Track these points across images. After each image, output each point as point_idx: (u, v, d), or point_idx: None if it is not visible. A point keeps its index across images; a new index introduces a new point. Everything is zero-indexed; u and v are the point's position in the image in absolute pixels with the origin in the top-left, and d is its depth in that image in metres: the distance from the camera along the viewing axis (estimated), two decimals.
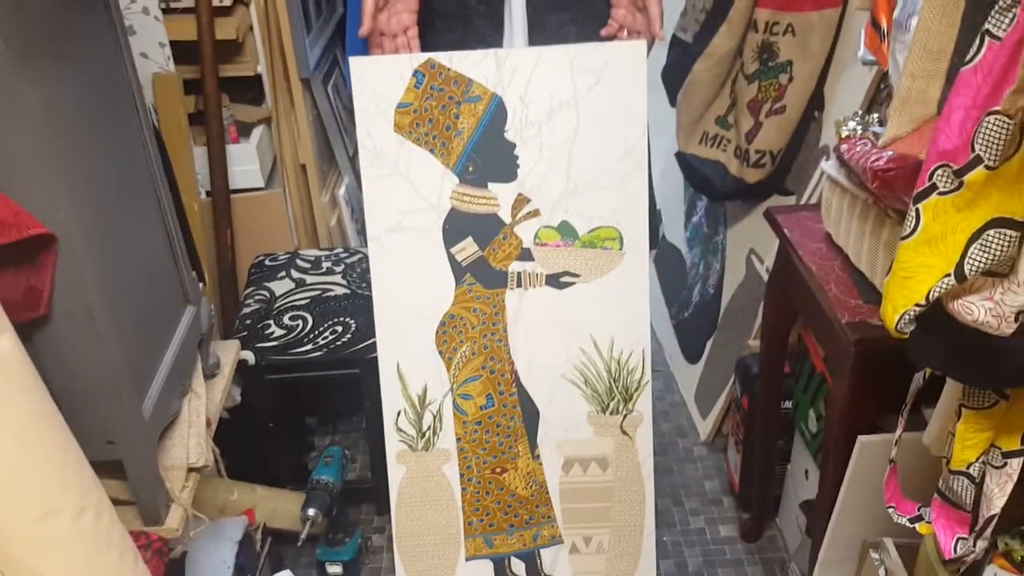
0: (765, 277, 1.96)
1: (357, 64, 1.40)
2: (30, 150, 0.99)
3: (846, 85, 1.76)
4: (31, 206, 0.99)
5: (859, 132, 1.34)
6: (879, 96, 1.65)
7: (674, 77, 2.01)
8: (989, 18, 0.75)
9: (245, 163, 2.11)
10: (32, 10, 1.00)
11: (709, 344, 2.30)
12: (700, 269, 2.40)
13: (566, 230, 1.45)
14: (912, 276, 0.83)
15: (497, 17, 1.47)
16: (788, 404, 1.81)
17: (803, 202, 1.84)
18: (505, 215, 1.45)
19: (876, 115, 1.43)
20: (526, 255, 1.46)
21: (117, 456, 1.18)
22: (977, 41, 0.76)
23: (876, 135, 1.33)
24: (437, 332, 1.49)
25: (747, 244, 2.11)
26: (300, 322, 1.94)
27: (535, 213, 1.45)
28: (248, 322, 1.94)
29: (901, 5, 1.02)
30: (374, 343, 1.53)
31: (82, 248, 1.05)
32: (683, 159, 2.09)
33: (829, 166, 1.40)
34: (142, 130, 1.31)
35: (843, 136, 1.34)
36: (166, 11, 1.91)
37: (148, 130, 1.32)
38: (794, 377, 1.80)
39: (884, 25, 1.11)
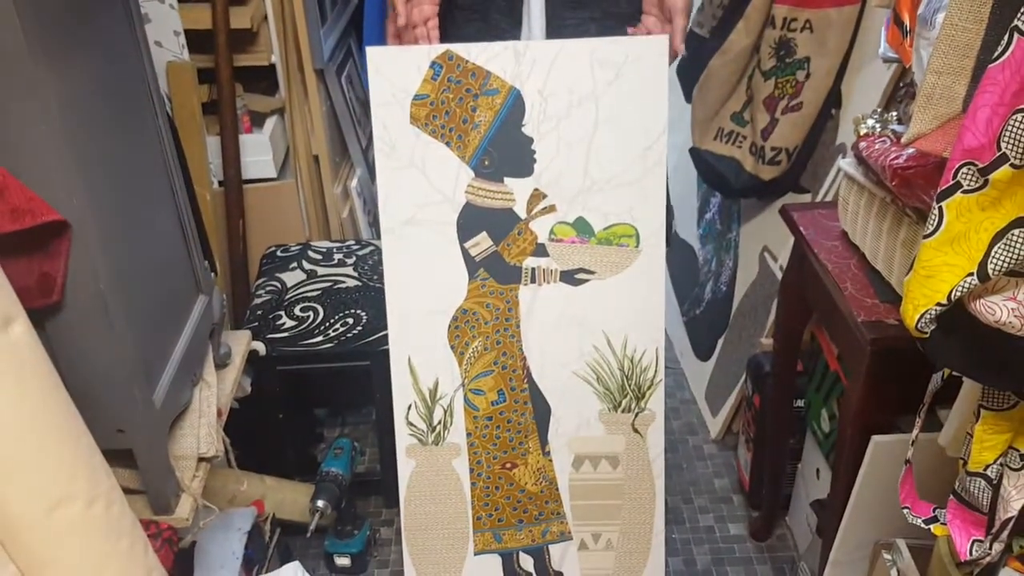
0: (778, 275, 1.94)
1: (374, 55, 1.39)
2: (45, 136, 0.99)
3: (864, 82, 1.74)
4: (45, 192, 0.99)
5: (878, 130, 1.33)
6: (897, 94, 1.64)
7: (690, 72, 1.99)
8: (1019, 15, 0.74)
9: (258, 153, 2.10)
10: None
11: (720, 342, 2.29)
12: (712, 266, 2.39)
13: (582, 226, 1.44)
14: (934, 275, 0.82)
15: (516, 13, 1.46)
16: (800, 403, 1.80)
17: (818, 199, 1.83)
18: (521, 210, 1.44)
19: (895, 113, 1.42)
20: (541, 251, 1.46)
21: (128, 445, 1.17)
22: (1006, 38, 0.75)
23: (895, 133, 1.32)
24: (449, 327, 1.48)
25: (760, 241, 2.10)
26: (311, 313, 1.93)
27: (551, 209, 1.44)
28: (259, 313, 1.94)
29: (926, 1, 1.01)
30: (385, 336, 1.53)
31: (96, 235, 1.05)
32: (698, 155, 2.08)
33: (846, 163, 1.39)
34: (156, 118, 1.30)
35: (862, 134, 1.33)
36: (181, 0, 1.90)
37: (162, 118, 1.32)
38: (807, 375, 1.79)
39: (907, 22, 1.10)
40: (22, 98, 0.96)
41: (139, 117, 1.26)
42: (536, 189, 1.43)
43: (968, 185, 0.78)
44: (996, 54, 0.76)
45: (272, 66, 2.08)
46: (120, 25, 1.21)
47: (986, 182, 0.77)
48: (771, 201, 2.05)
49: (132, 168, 1.22)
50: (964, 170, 0.78)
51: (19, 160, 0.98)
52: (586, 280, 1.47)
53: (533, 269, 1.46)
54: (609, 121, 1.40)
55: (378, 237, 1.50)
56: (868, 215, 1.34)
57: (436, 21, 1.42)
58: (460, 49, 1.37)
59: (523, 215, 1.44)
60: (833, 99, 1.82)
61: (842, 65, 1.78)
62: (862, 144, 1.29)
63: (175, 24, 1.89)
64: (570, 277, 1.47)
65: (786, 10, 1.77)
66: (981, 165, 0.77)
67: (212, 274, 1.54)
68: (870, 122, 1.34)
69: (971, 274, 0.79)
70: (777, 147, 1.87)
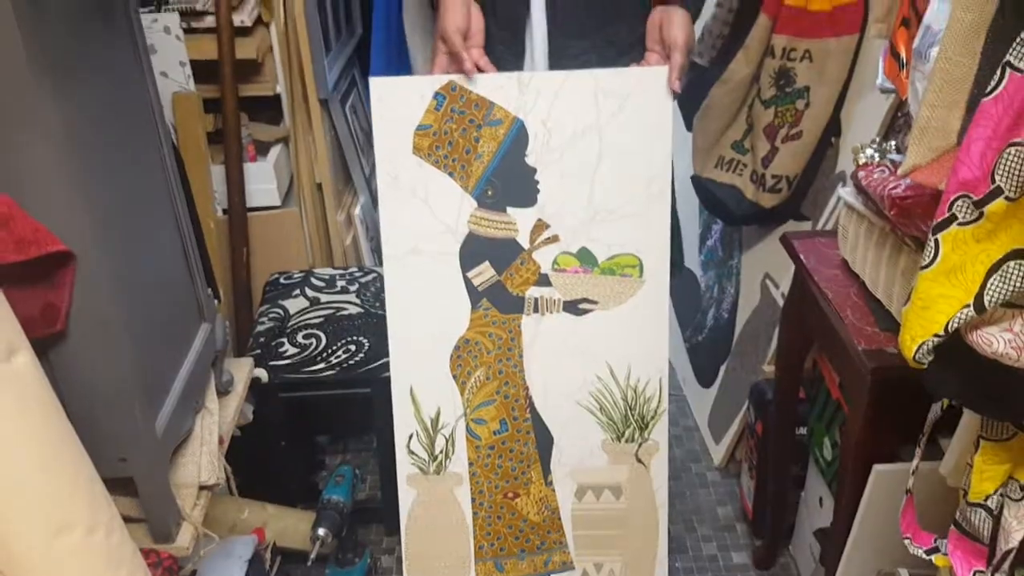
0: (780, 302, 1.95)
1: (377, 85, 1.40)
2: (50, 165, 1.00)
3: (863, 111, 1.75)
4: (49, 221, 1.00)
5: (877, 159, 1.34)
6: (896, 123, 1.65)
7: (690, 101, 2.01)
8: (1011, 50, 0.75)
9: (262, 181, 2.12)
10: (55, 27, 1.01)
11: (723, 368, 2.29)
12: (714, 293, 2.39)
13: (585, 257, 1.45)
14: (930, 306, 0.82)
15: (519, 43, 1.47)
16: (803, 430, 1.79)
17: (819, 227, 1.84)
18: (524, 240, 1.45)
19: (894, 142, 1.43)
20: (544, 281, 1.46)
21: (129, 473, 1.17)
22: (998, 72, 0.76)
23: (894, 162, 1.33)
24: (452, 356, 1.49)
25: (762, 268, 2.10)
26: (313, 340, 1.94)
27: (554, 239, 1.44)
28: (262, 340, 1.95)
29: (921, 35, 1.02)
30: (387, 363, 1.53)
31: (99, 264, 1.06)
32: (699, 183, 2.09)
33: (846, 192, 1.40)
34: (161, 148, 1.32)
35: (861, 163, 1.34)
36: (187, 31, 1.92)
37: (167, 148, 1.33)
38: (809, 403, 1.79)
39: (903, 54, 1.11)
40: (26, 126, 0.97)
41: (144, 146, 1.28)
42: (539, 219, 1.44)
43: (963, 217, 0.79)
44: (989, 88, 0.77)
45: (277, 96, 2.10)
46: (125, 54, 1.23)
47: (981, 214, 0.77)
48: (772, 228, 2.06)
49: (136, 196, 1.23)
50: (959, 202, 0.79)
51: (23, 188, 0.99)
52: (589, 310, 1.47)
53: (536, 299, 1.47)
54: (613, 151, 1.41)
55: (381, 264, 1.52)
56: (868, 244, 1.35)
57: (486, 59, 1.42)
58: (464, 80, 1.39)
59: (526, 245, 1.45)
60: (833, 127, 1.83)
61: (841, 94, 1.80)
62: (861, 173, 1.30)
63: (181, 55, 1.91)
64: (573, 307, 1.47)
65: (785, 40, 1.78)
66: (976, 198, 0.77)
67: (215, 301, 1.55)
68: (869, 151, 1.35)
69: (968, 305, 0.80)
70: (778, 175, 1.88)
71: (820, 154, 1.86)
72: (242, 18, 1.93)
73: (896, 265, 1.28)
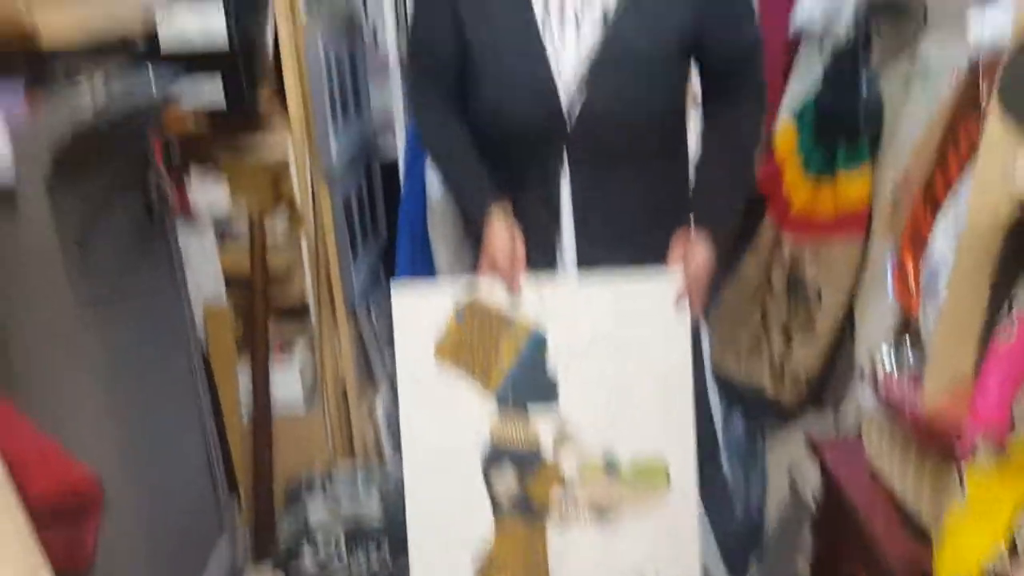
0: (806, 492, 1.91)
1: (399, 293, 1.44)
2: (86, 396, 1.03)
3: (876, 304, 1.77)
4: (81, 450, 1.02)
5: (894, 366, 1.34)
6: (911, 319, 1.66)
7: None
8: (1018, 293, 0.78)
9: (287, 382, 2.14)
10: (100, 265, 1.07)
11: (755, 563, 2.22)
12: (741, 484, 2.35)
13: (609, 463, 1.44)
14: (962, 546, 0.81)
15: (550, 253, 1.51)
16: None
17: (838, 414, 1.82)
18: (546, 447, 1.44)
19: (907, 338, 1.42)
20: (568, 488, 1.45)
21: None
22: (1008, 319, 0.78)
23: (912, 368, 1.33)
24: (476, 568, 1.45)
25: (787, 459, 2.08)
26: (334, 547, 1.90)
27: (576, 446, 1.44)
28: (282, 546, 1.91)
29: (928, 270, 1.04)
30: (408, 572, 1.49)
31: (125, 495, 1.07)
32: (718, 376, 2.10)
33: (866, 398, 1.40)
34: (192, 364, 1.36)
35: (879, 371, 1.34)
36: (220, 243, 2.00)
37: (197, 360, 1.37)
38: None
39: (911, 277, 1.14)
40: (69, 361, 1.01)
41: (176, 366, 1.32)
42: (560, 427, 1.44)
43: (986, 457, 0.79)
44: (1003, 328, 0.79)
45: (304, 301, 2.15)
46: (163, 279, 1.29)
47: (1004, 454, 0.77)
48: (795, 418, 2.05)
49: (166, 416, 1.26)
50: (981, 442, 0.79)
51: (60, 419, 1.02)
52: (616, 518, 1.45)
53: (560, 508, 1.45)
54: (632, 356, 1.43)
55: (402, 463, 1.52)
56: (893, 450, 1.33)
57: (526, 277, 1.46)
58: (485, 288, 1.42)
59: (549, 452, 1.45)
60: (847, 322, 1.85)
61: (853, 289, 1.82)
62: (880, 385, 1.30)
63: (214, 267, 1.97)
64: (599, 515, 1.45)
65: (794, 239, 1.84)
66: (998, 437, 0.78)
67: (237, 510, 1.54)
68: (885, 358, 1.36)
69: (999, 546, 0.78)
70: (795, 371, 1.89)
71: (836, 349, 1.87)
72: (273, 230, 2.01)
73: (923, 471, 1.26)
